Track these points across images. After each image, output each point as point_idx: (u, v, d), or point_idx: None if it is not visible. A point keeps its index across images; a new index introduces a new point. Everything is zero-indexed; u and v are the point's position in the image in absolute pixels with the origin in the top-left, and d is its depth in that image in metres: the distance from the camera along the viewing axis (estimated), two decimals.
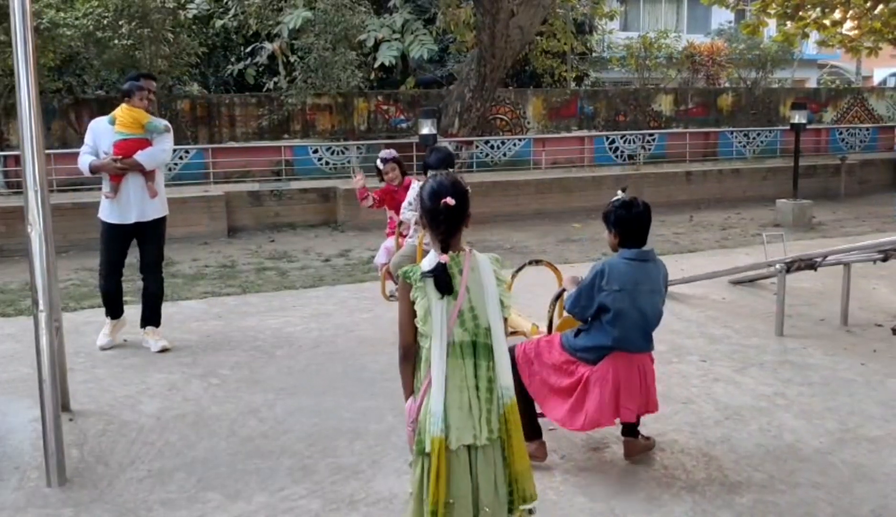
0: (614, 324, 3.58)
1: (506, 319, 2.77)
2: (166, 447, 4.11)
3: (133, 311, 5.91)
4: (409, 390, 2.77)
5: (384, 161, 6.24)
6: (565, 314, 3.99)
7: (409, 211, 5.60)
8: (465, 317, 2.66)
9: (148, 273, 5.72)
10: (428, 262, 2.67)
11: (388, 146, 15.18)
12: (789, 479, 3.68)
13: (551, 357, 3.74)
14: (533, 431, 3.78)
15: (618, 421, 3.75)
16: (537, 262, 4.75)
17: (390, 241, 6.01)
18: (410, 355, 2.75)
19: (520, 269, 4.44)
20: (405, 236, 5.80)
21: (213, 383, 5.06)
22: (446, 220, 2.65)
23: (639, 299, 3.60)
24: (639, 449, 3.91)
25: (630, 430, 3.90)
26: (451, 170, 5.64)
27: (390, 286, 6.02)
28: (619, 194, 3.72)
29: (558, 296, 4.09)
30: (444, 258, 2.64)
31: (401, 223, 5.82)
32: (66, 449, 3.84)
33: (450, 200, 2.64)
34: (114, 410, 4.61)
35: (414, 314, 2.65)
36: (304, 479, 3.72)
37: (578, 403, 3.62)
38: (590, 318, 3.69)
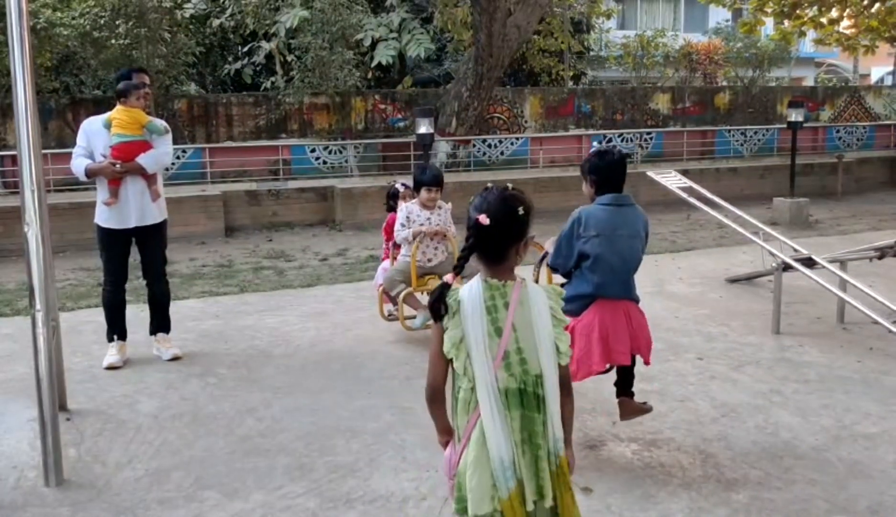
0: (594, 269, 3.63)
1: (563, 366, 2.36)
2: (164, 446, 4.11)
3: (131, 311, 5.88)
4: (445, 432, 2.49)
5: (406, 186, 6.16)
6: (555, 279, 4.04)
7: (402, 231, 5.61)
8: (512, 361, 2.28)
9: (152, 278, 5.55)
10: (467, 289, 2.32)
11: (385, 146, 15.28)
12: (785, 476, 3.69)
13: None
14: None
15: (615, 405, 3.78)
16: None
17: (388, 263, 6.00)
18: (439, 397, 2.46)
19: None
20: (399, 254, 5.82)
21: (210, 382, 5.07)
22: (476, 240, 2.29)
23: (617, 243, 3.65)
24: (635, 409, 3.94)
25: (624, 389, 3.91)
26: (439, 188, 5.66)
27: (388, 307, 6.02)
28: (600, 143, 3.81)
29: (542, 259, 4.14)
30: (451, 279, 2.33)
31: (395, 245, 5.83)
32: (64, 448, 3.84)
33: (483, 218, 2.26)
34: (111, 409, 4.62)
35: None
36: (302, 478, 3.73)
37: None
38: (572, 270, 3.74)
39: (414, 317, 5.73)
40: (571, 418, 2.43)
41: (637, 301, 3.82)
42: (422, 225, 5.61)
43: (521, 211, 2.28)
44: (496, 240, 2.29)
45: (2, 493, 3.63)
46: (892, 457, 3.89)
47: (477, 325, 2.27)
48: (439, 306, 2.29)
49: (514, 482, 2.26)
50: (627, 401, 3.93)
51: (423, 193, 5.62)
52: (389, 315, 5.99)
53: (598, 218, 3.63)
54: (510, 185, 2.35)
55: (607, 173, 3.70)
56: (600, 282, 3.64)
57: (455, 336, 2.29)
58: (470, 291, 2.30)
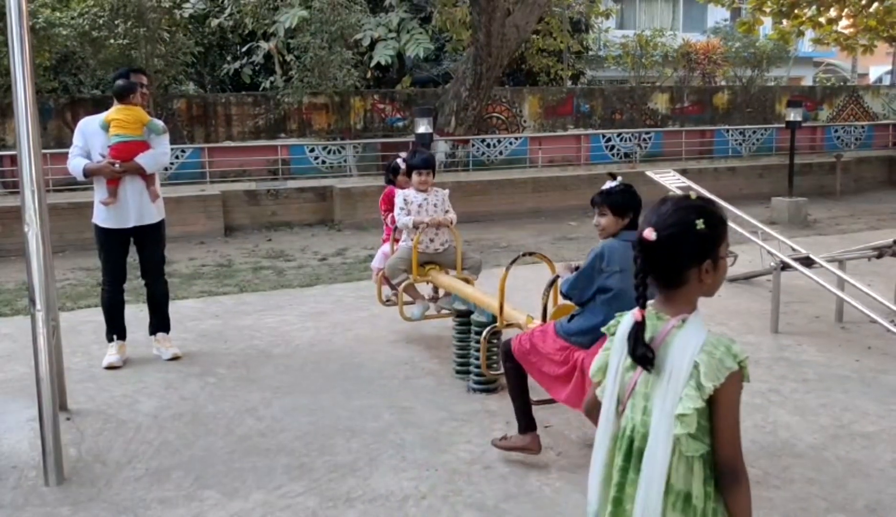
0: (611, 304, 3.59)
1: (723, 450, 1.89)
2: (164, 446, 4.12)
3: (130, 311, 5.89)
4: None
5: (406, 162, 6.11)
6: (560, 301, 4.02)
7: (402, 217, 5.60)
8: (636, 403, 1.95)
9: (151, 278, 5.56)
10: (631, 313, 1.99)
11: (384, 146, 15.27)
12: (784, 475, 3.70)
13: (545, 345, 3.75)
14: (527, 424, 3.82)
15: None
16: (530, 254, 4.81)
17: (388, 247, 6.00)
18: (593, 415, 2.18)
19: (513, 262, 4.48)
20: (399, 241, 5.81)
21: (210, 382, 5.07)
22: (641, 259, 1.92)
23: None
24: None
25: None
26: (430, 171, 5.66)
27: (386, 291, 6.02)
28: (616, 180, 3.75)
29: (552, 283, 4.12)
30: (638, 315, 1.92)
31: (396, 229, 5.83)
32: (64, 448, 3.84)
33: (648, 233, 1.89)
34: (111, 409, 4.62)
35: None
36: (302, 477, 3.73)
37: (579, 387, 3.63)
38: (585, 302, 3.71)
39: (412, 302, 5.75)
40: (743, 511, 1.89)
41: None
42: (419, 205, 5.58)
43: (699, 224, 1.88)
44: (665, 260, 1.90)
45: (2, 493, 3.63)
46: (890, 456, 3.90)
47: (617, 351, 2.00)
48: (644, 352, 1.90)
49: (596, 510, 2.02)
50: None
51: (415, 177, 5.63)
52: (387, 300, 5.99)
53: (621, 253, 3.58)
54: (693, 194, 1.99)
55: (639, 207, 3.69)
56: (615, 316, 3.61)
57: (602, 359, 2.07)
58: (630, 315, 1.98)
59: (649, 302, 1.97)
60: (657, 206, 1.97)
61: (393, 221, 5.85)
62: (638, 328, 1.91)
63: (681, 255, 1.89)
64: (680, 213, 1.91)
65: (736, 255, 2.29)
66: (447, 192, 5.80)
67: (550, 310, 4.16)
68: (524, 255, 4.73)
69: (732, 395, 1.85)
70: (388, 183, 6.32)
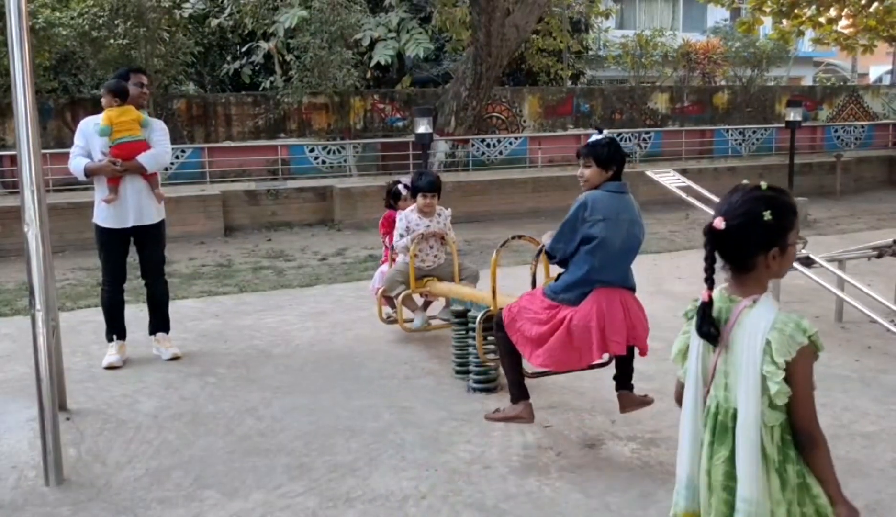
0: (594, 253, 3.65)
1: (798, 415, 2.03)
2: (163, 445, 4.12)
3: (130, 311, 5.89)
4: None
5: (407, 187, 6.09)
6: (553, 273, 4.05)
7: (400, 241, 5.59)
8: (718, 382, 2.10)
9: (151, 278, 5.56)
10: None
11: (384, 146, 15.28)
12: None
13: (533, 306, 3.79)
14: (520, 393, 3.87)
15: (613, 396, 3.79)
16: (519, 237, 4.82)
17: (386, 267, 5.99)
18: (677, 399, 2.28)
19: (504, 244, 4.51)
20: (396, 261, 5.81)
21: (209, 382, 5.07)
22: (712, 247, 2.04)
23: (620, 228, 3.69)
24: (634, 402, 3.95)
25: (624, 382, 3.94)
26: (436, 194, 5.63)
27: (386, 310, 6.01)
28: (601, 133, 3.80)
29: (538, 252, 4.13)
30: (706, 295, 2.07)
31: (393, 249, 5.83)
32: (64, 448, 3.84)
33: (717, 222, 2.01)
34: (111, 409, 4.62)
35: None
36: (302, 477, 3.73)
37: (563, 344, 3.66)
38: (569, 257, 3.75)
39: (412, 320, 5.75)
40: (823, 469, 2.04)
41: (633, 289, 3.84)
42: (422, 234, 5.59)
43: (767, 215, 1.98)
44: (734, 248, 2.03)
45: (2, 493, 3.63)
46: (889, 456, 3.90)
47: (696, 334, 2.12)
48: (709, 330, 2.06)
49: (686, 505, 2.17)
50: (627, 394, 3.95)
51: (420, 199, 5.57)
52: (388, 318, 5.98)
53: (604, 202, 3.67)
54: (764, 184, 2.05)
55: (623, 162, 3.79)
56: (599, 265, 3.66)
57: (681, 342, 2.21)
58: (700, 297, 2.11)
59: (723, 285, 2.11)
60: (728, 195, 2.07)
61: (391, 241, 5.84)
62: (704, 307, 2.06)
63: (748, 244, 2.01)
64: (749, 203, 2.01)
65: (805, 240, 2.32)
66: (449, 212, 5.77)
67: (540, 281, 4.17)
68: (513, 238, 4.73)
69: (804, 368, 1.99)
70: (387, 207, 6.24)
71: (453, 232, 5.73)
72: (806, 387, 1.99)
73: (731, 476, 2.06)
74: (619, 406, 3.97)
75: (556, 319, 3.69)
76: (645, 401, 3.97)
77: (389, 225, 5.97)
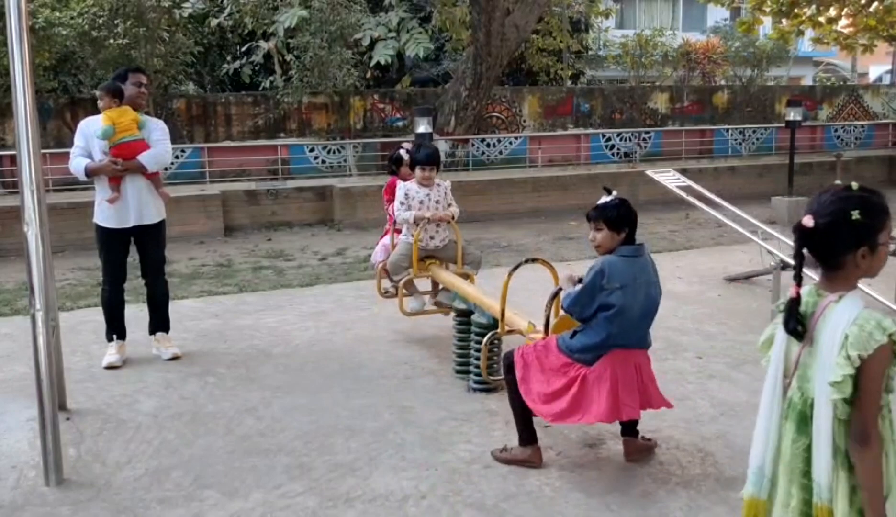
0: (613, 320, 3.55)
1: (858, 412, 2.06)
2: (163, 445, 4.12)
3: (130, 311, 5.88)
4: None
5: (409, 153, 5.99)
6: (562, 313, 3.97)
7: (402, 211, 5.57)
8: (801, 373, 2.15)
9: (151, 278, 5.56)
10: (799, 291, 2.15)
11: (384, 146, 15.27)
12: None
13: (548, 361, 3.70)
14: (529, 437, 3.80)
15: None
16: (533, 261, 4.73)
17: (388, 239, 5.98)
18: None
19: (516, 268, 4.43)
20: (400, 233, 5.77)
21: (209, 381, 5.07)
22: (800, 245, 2.09)
23: (637, 294, 3.59)
24: (639, 448, 3.91)
25: (629, 430, 3.91)
26: (434, 167, 5.62)
27: (386, 283, 6.00)
28: (611, 195, 3.68)
29: (555, 295, 4.06)
30: (794, 291, 2.11)
31: (395, 222, 5.81)
32: (64, 447, 3.84)
33: (806, 220, 2.06)
34: (111, 409, 4.62)
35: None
36: (301, 477, 3.73)
37: (576, 402, 3.58)
38: (587, 320, 3.65)
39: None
40: (867, 472, 2.05)
41: (649, 347, 3.78)
42: (421, 201, 5.54)
43: (855, 215, 2.03)
44: (822, 246, 2.08)
45: (2, 493, 3.63)
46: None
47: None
48: (795, 327, 2.12)
49: (753, 490, 2.23)
50: (632, 441, 3.89)
51: (419, 172, 5.55)
52: (386, 292, 5.98)
53: (621, 269, 3.56)
54: (855, 184, 2.10)
55: (635, 222, 3.66)
56: (618, 332, 3.57)
57: (769, 331, 2.25)
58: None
59: (812, 282, 2.17)
60: (818, 194, 2.11)
61: (394, 210, 5.81)
62: (792, 304, 2.10)
63: (836, 242, 2.06)
64: (838, 203, 2.05)
65: None
66: (449, 183, 5.73)
67: (552, 322, 4.08)
68: (527, 261, 4.58)
69: (879, 366, 2.02)
70: (390, 174, 6.26)
71: (456, 205, 5.70)
72: (876, 384, 2.02)
73: (810, 463, 2.11)
74: (625, 452, 3.90)
75: (570, 377, 3.61)
76: (649, 446, 3.95)
77: (392, 191, 5.94)
